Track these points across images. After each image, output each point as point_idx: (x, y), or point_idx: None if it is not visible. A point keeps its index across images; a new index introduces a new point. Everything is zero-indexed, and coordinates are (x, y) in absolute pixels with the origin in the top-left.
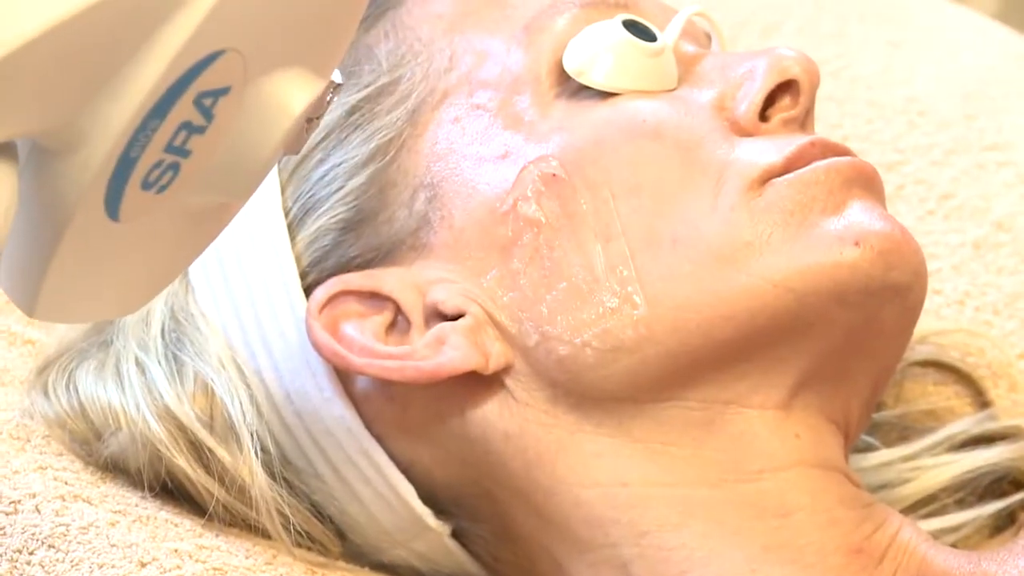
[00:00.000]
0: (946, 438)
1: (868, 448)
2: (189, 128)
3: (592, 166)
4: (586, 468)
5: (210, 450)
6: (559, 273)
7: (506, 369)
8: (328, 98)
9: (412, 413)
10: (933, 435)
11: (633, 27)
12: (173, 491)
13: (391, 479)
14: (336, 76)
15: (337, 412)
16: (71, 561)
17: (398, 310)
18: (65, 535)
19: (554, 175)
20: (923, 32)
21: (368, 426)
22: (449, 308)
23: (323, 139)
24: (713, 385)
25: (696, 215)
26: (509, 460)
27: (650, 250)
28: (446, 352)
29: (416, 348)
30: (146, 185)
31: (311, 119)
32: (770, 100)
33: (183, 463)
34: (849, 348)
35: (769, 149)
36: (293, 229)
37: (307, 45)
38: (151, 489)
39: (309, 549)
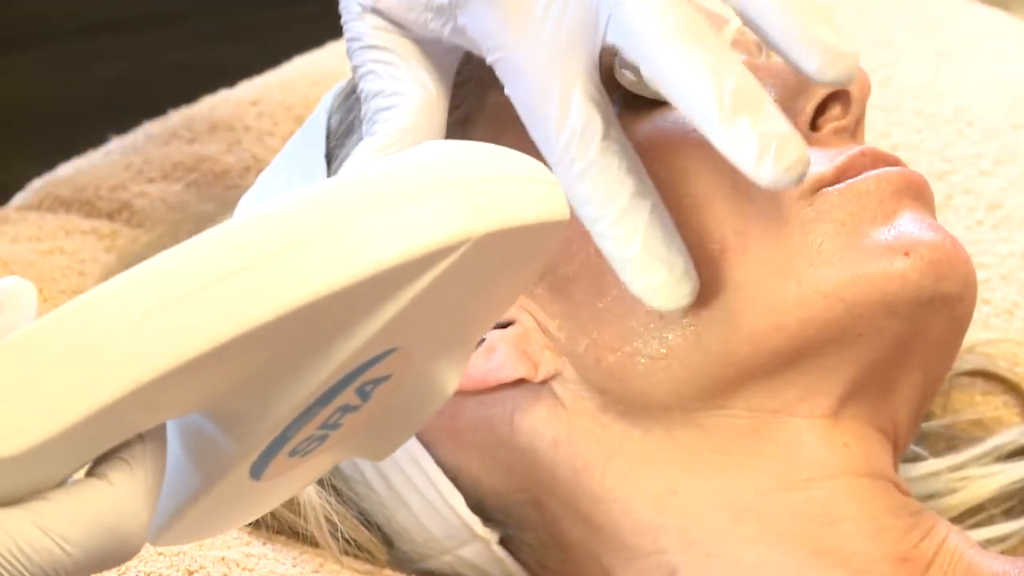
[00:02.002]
0: (994, 448)
1: (915, 458)
2: (345, 409)
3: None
4: (635, 475)
5: None
6: (609, 281)
7: (555, 376)
8: None
9: (461, 421)
10: (981, 445)
11: None
12: None
13: (440, 486)
14: None
15: None
16: (118, 569)
17: None
18: None
19: None
20: (971, 42)
21: (417, 434)
22: None
23: None
24: (761, 393)
25: (746, 225)
26: (557, 468)
27: (699, 259)
28: (495, 360)
29: None
30: (293, 453)
31: None
32: (820, 109)
33: None
34: (898, 358)
35: (819, 158)
36: None
37: (468, 331)
38: None
39: (356, 557)
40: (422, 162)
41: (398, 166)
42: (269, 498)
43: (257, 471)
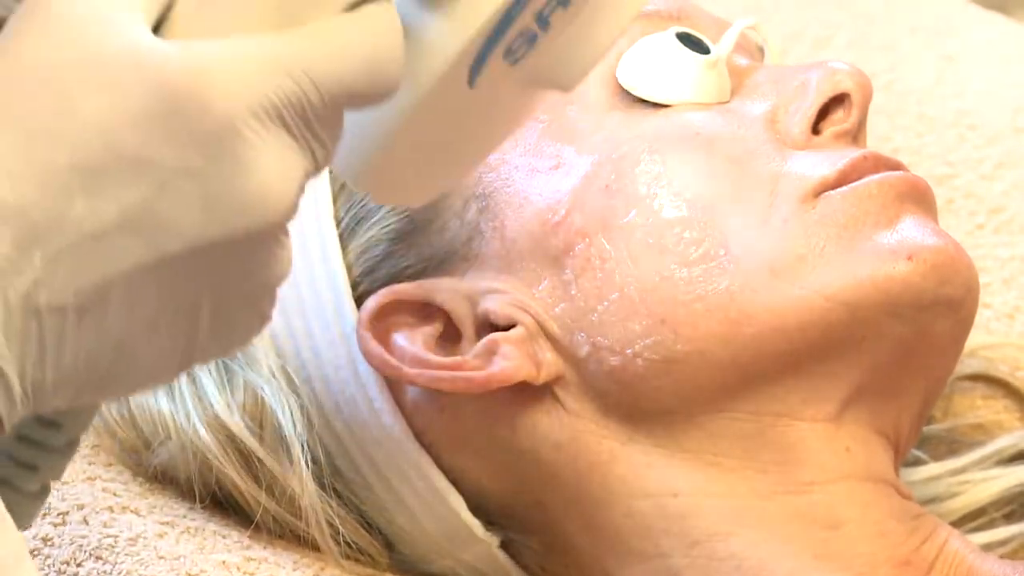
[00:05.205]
0: (995, 452)
1: (917, 462)
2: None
3: (644, 178)
4: (637, 478)
5: (260, 460)
6: (611, 284)
7: (557, 379)
8: None
9: (462, 424)
10: (982, 449)
11: (687, 40)
12: (222, 501)
13: (441, 490)
14: None
15: (387, 422)
16: (119, 573)
17: (449, 320)
18: (113, 547)
19: (606, 186)
20: (974, 46)
21: (418, 437)
22: (500, 318)
23: None
24: (764, 397)
25: (749, 228)
26: (559, 471)
27: (702, 262)
28: (497, 363)
29: (467, 359)
30: (507, 54)
31: None
32: (823, 113)
33: (232, 473)
34: (900, 362)
35: (822, 162)
36: (345, 239)
37: None
38: (201, 500)
39: (357, 560)
40: None
41: None
42: (483, 123)
43: (474, 73)
